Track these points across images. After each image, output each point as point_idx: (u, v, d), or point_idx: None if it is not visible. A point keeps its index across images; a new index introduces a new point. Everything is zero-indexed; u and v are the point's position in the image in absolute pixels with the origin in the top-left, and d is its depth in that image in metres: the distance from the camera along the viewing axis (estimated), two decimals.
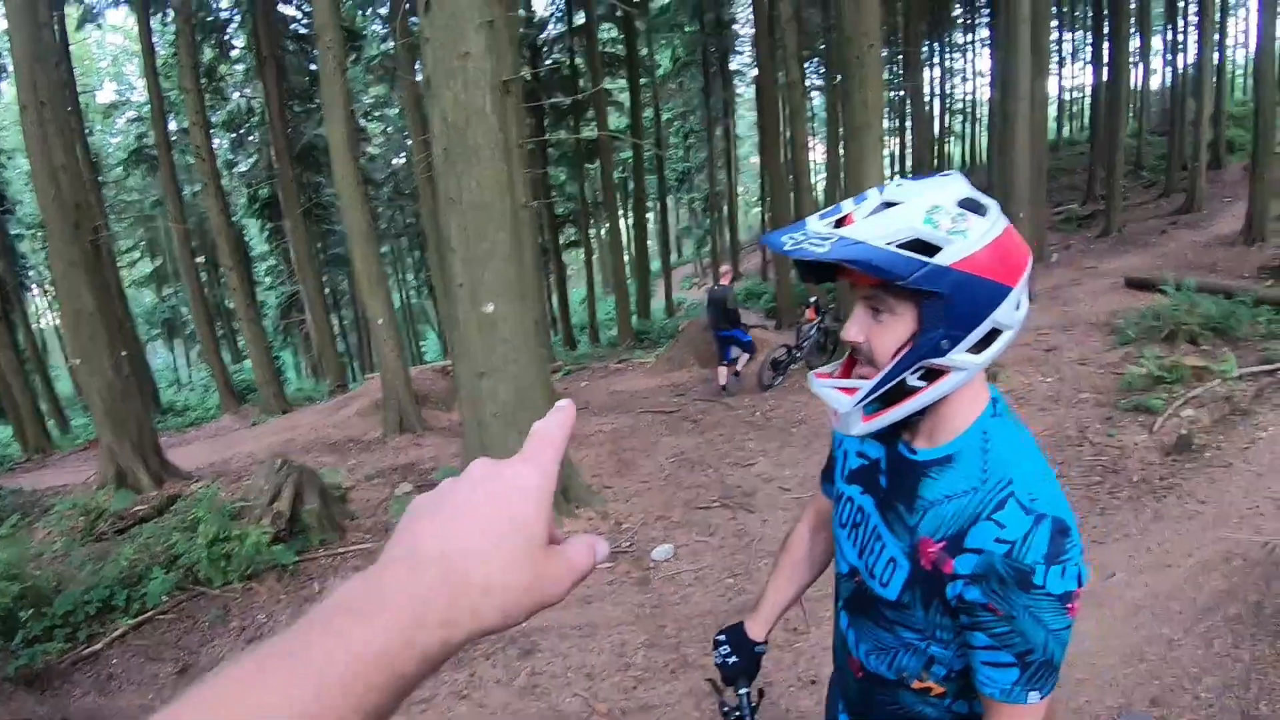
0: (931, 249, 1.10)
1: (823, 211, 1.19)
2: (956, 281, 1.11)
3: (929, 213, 1.11)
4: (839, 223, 1.15)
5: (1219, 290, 10.40)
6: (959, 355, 1.16)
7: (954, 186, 1.16)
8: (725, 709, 1.75)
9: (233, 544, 5.30)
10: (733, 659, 1.77)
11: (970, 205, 1.14)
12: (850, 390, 1.22)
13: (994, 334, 1.17)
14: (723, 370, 10.43)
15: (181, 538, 5.57)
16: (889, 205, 1.14)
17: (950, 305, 1.12)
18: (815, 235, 1.13)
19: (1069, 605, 1.14)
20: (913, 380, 1.18)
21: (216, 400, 20.01)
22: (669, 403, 9.98)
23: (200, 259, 25.91)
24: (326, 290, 25.07)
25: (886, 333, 1.18)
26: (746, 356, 10.55)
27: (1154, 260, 14.74)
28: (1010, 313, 1.16)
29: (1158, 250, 15.79)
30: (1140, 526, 5.21)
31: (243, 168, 25.34)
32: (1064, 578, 1.12)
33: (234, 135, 24.25)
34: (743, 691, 1.75)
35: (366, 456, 8.99)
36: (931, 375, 1.18)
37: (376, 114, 29.39)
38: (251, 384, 19.93)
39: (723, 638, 1.81)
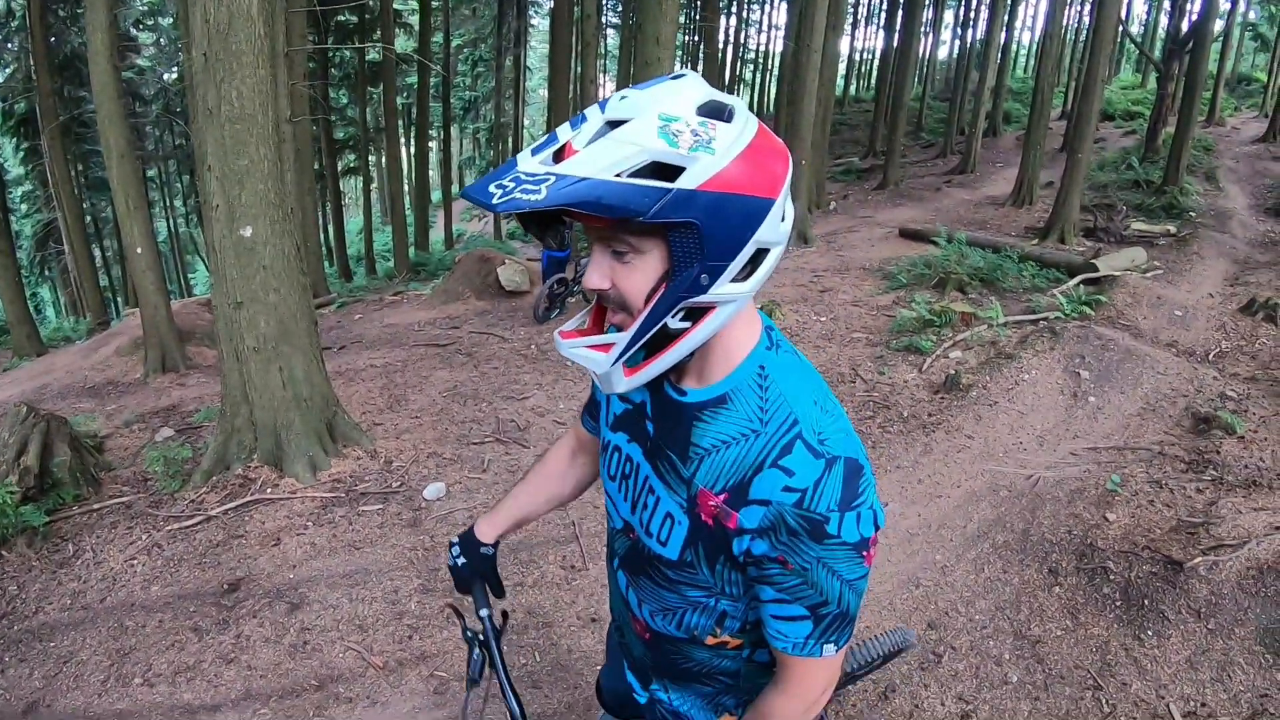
0: (673, 171, 0.90)
1: (535, 144, 0.96)
2: (707, 205, 0.92)
3: (664, 128, 0.91)
4: (558, 155, 0.93)
5: (988, 245, 11.17)
6: (724, 287, 0.99)
7: (689, 89, 0.96)
8: (468, 634, 1.66)
9: None
10: (461, 560, 1.70)
11: (712, 110, 0.95)
12: (605, 347, 1.05)
13: (760, 254, 1.00)
14: (543, 291, 9.97)
15: None
16: (614, 124, 0.93)
17: (704, 234, 0.93)
18: (528, 178, 0.90)
19: (865, 553, 1.05)
20: (675, 323, 1.01)
21: None
22: (443, 335, 9.63)
23: None
24: (88, 218, 22.87)
25: (634, 275, 1.00)
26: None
27: (928, 214, 15.63)
28: (775, 227, 0.99)
29: (931, 205, 16.77)
30: (911, 459, 5.43)
31: None
32: (860, 524, 1.04)
33: None
34: (483, 613, 1.66)
35: (127, 400, 8.18)
36: (695, 314, 1.01)
37: (148, 22, 26.63)
38: (3, 324, 17.80)
39: (455, 540, 1.72)
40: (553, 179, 0.89)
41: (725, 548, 1.12)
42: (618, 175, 0.89)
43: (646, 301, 1.00)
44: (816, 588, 1.06)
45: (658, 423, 1.22)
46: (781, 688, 1.22)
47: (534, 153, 0.95)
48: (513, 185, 0.90)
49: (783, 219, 1.00)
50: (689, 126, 0.92)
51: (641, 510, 1.26)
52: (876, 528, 1.06)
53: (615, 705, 1.77)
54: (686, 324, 1.02)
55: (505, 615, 1.73)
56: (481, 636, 1.64)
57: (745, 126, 0.96)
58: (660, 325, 1.01)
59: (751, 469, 1.07)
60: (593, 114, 0.95)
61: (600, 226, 0.98)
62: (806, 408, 1.08)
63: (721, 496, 1.10)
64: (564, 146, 0.93)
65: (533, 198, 0.88)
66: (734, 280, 0.99)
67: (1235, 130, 23.14)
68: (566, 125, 0.97)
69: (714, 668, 1.35)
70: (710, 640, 1.29)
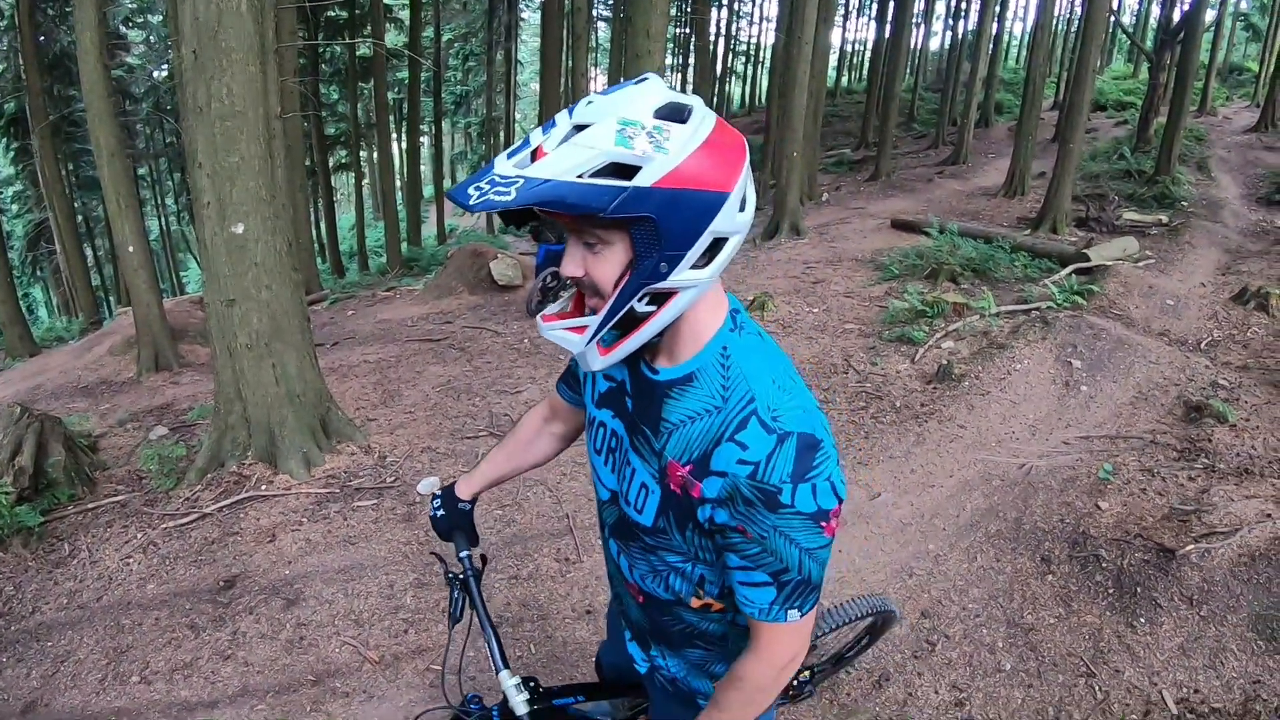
0: (630, 171, 1.00)
1: (510, 148, 1.07)
2: (662, 201, 1.01)
3: (621, 131, 1.00)
4: (533, 157, 1.03)
5: (980, 235, 11.16)
6: (683, 275, 1.08)
7: (649, 94, 1.05)
8: (449, 575, 1.80)
9: None
10: (441, 513, 1.88)
11: (669, 113, 1.04)
12: (580, 329, 1.17)
13: (718, 244, 1.10)
14: (533, 285, 9.92)
15: None
16: (580, 128, 1.02)
17: (660, 227, 1.03)
18: (501, 180, 1.01)
19: (824, 523, 1.13)
20: (641, 307, 1.12)
21: None
22: (436, 330, 9.63)
23: None
24: (80, 217, 22.75)
25: (604, 264, 1.11)
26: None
27: (920, 205, 15.55)
28: (732, 217, 1.08)
29: (924, 196, 16.70)
30: (904, 449, 5.44)
31: None
32: (816, 495, 1.11)
33: None
34: (463, 554, 1.82)
35: (120, 399, 8.17)
36: (659, 299, 1.12)
37: (138, 20, 26.44)
38: None
39: (437, 494, 1.91)
40: (521, 181, 0.99)
41: (692, 515, 1.22)
42: (580, 176, 0.99)
43: (615, 288, 1.10)
44: (776, 555, 1.15)
45: (635, 399, 1.32)
46: (753, 652, 1.30)
47: (509, 156, 1.04)
48: (488, 187, 1.00)
49: (740, 209, 1.08)
50: (644, 129, 1.00)
51: (623, 481, 1.37)
52: (838, 500, 1.13)
53: (615, 679, 1.86)
54: (652, 308, 1.12)
55: (484, 559, 1.87)
56: (461, 577, 1.79)
57: (699, 126, 1.04)
58: (627, 309, 1.11)
59: (712, 442, 1.16)
60: (562, 119, 1.04)
61: (568, 221, 1.08)
62: (764, 386, 1.16)
63: (687, 468, 1.20)
64: (536, 149, 1.03)
65: (504, 199, 0.98)
66: (693, 268, 1.08)
67: (1227, 120, 23.13)
68: (539, 130, 1.07)
69: (703, 631, 1.46)
70: (695, 602, 1.40)
